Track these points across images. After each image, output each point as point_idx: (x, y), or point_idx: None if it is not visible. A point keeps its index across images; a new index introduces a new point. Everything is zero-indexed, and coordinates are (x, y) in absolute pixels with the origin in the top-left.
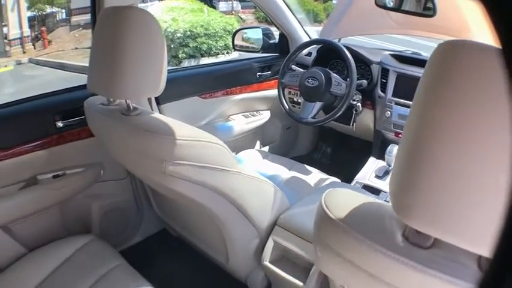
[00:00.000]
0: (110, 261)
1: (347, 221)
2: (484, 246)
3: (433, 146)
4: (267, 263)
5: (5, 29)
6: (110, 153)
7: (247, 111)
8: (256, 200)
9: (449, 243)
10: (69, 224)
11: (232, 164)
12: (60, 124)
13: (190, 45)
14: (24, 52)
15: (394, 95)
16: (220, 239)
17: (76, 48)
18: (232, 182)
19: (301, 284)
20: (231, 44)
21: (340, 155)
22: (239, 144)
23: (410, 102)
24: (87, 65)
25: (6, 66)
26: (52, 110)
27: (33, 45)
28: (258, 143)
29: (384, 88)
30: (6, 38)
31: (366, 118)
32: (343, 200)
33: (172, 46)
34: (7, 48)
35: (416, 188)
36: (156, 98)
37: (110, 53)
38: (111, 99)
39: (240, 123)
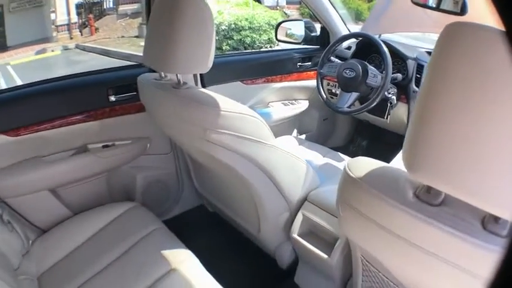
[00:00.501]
0: (150, 225)
1: (366, 179)
2: (491, 202)
3: (442, 103)
4: (295, 236)
5: (52, 15)
6: (158, 123)
7: (286, 99)
8: (289, 175)
9: (456, 203)
10: (114, 192)
11: (268, 138)
12: (112, 98)
13: (234, 38)
14: (71, 38)
15: None
16: (253, 210)
17: (122, 37)
18: (267, 155)
19: (326, 256)
20: (274, 38)
21: (375, 148)
22: (276, 130)
23: None
24: (132, 52)
25: (53, 51)
26: (106, 85)
27: (80, 31)
28: (295, 131)
29: (418, 83)
30: (53, 24)
31: (400, 112)
32: (365, 165)
33: (216, 38)
34: (54, 33)
35: (427, 144)
36: (201, 80)
37: (165, 31)
38: (163, 75)
39: (279, 111)
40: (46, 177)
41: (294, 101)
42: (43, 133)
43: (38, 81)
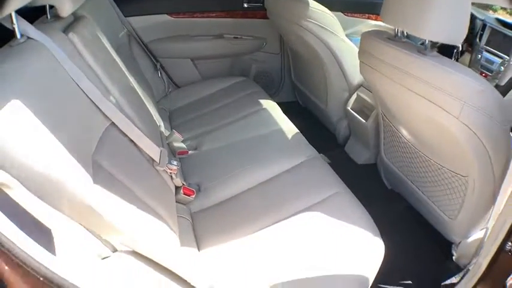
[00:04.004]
0: (261, 101)
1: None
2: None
3: None
4: (349, 108)
5: None
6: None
7: None
8: (351, 63)
9: (412, 38)
10: (233, 73)
11: (341, 33)
12: (245, 5)
13: None
14: None
15: (486, 44)
16: (324, 89)
17: None
18: (338, 44)
19: (364, 121)
20: None
21: None
22: None
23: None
24: None
25: None
26: None
27: None
28: None
29: (480, 38)
30: None
31: (465, 60)
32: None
33: None
34: None
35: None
36: None
37: None
38: None
39: None
40: (191, 49)
41: None
42: (195, 19)
43: None
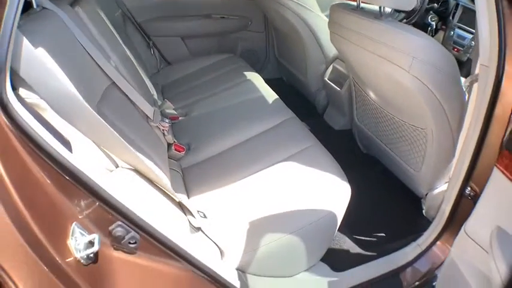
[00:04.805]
0: (246, 73)
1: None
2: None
3: None
4: (326, 79)
5: None
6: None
7: None
8: (327, 35)
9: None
10: (221, 51)
11: (316, 9)
12: None
13: None
14: None
15: (459, 21)
16: (303, 62)
17: None
18: (314, 21)
19: (339, 89)
20: None
21: None
22: None
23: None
24: None
25: None
26: None
27: None
28: None
29: (453, 16)
30: None
31: (439, 37)
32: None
33: None
34: None
35: None
36: None
37: None
38: None
39: None
40: (181, 28)
41: None
42: (185, 0)
43: None
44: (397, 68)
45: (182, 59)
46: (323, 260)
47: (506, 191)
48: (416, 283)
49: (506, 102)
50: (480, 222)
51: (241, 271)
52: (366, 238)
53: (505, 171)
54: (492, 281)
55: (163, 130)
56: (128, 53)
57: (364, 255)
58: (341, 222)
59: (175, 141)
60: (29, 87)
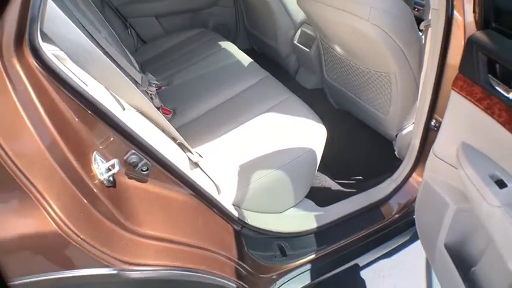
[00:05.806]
0: (220, 43)
1: None
2: None
3: None
4: (295, 42)
5: None
6: None
7: None
8: (294, 1)
9: None
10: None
11: None
12: None
13: None
14: None
15: None
16: (273, 29)
17: None
18: None
19: (308, 50)
20: None
21: None
22: None
23: None
24: None
25: None
26: None
27: None
28: None
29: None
30: None
31: None
32: None
33: None
34: None
35: None
36: None
37: None
38: None
39: None
40: (155, 8)
41: None
42: None
43: None
44: (357, 18)
45: (157, 37)
46: (308, 197)
47: (464, 109)
48: (396, 215)
49: (455, 39)
50: (446, 142)
51: (237, 206)
52: (344, 178)
53: (460, 92)
54: (468, 195)
55: (150, 94)
56: (111, 30)
57: (344, 192)
58: (321, 164)
59: (162, 105)
60: (51, 41)
